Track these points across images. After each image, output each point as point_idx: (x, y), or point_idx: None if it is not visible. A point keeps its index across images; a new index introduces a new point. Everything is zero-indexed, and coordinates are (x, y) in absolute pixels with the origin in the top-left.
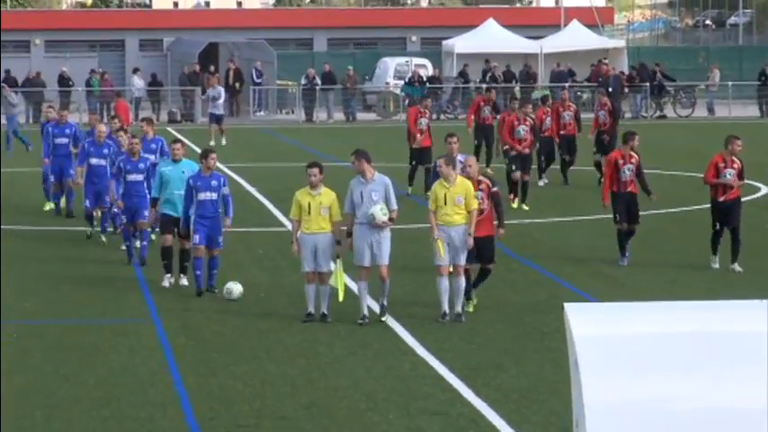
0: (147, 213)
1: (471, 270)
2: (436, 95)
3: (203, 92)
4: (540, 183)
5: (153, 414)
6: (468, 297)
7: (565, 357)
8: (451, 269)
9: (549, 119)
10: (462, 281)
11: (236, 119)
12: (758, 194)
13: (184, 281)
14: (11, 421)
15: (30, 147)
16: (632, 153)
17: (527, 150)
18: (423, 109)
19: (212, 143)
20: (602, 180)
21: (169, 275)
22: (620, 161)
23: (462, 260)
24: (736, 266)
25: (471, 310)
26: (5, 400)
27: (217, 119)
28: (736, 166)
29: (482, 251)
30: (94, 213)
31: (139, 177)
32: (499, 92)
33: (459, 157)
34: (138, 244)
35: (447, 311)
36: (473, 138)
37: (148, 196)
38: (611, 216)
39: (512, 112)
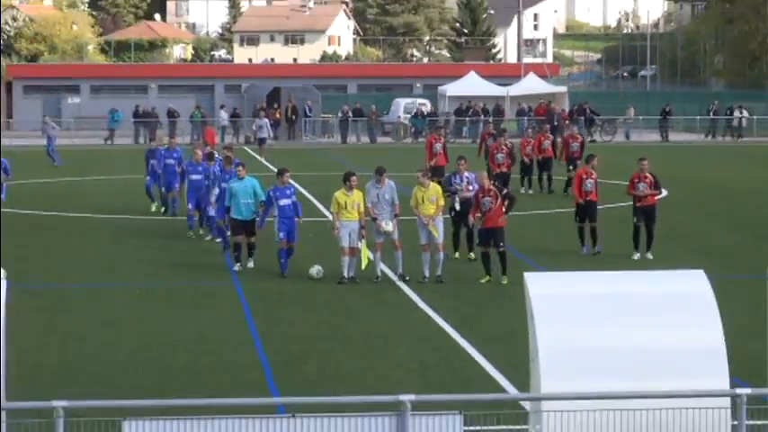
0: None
1: (489, 252)
2: (434, 125)
3: (270, 123)
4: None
5: (235, 349)
6: (503, 272)
7: (524, 311)
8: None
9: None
10: (441, 254)
11: (293, 141)
12: (661, 196)
13: (251, 263)
14: (131, 353)
15: (57, 163)
16: (592, 170)
17: (505, 170)
18: (437, 136)
19: (260, 158)
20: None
21: (239, 263)
22: (584, 176)
23: (440, 239)
24: (649, 254)
25: (505, 282)
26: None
27: (260, 141)
28: (647, 180)
29: (494, 238)
30: (194, 214)
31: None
32: (474, 122)
33: (467, 174)
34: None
35: (427, 275)
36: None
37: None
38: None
39: (493, 141)
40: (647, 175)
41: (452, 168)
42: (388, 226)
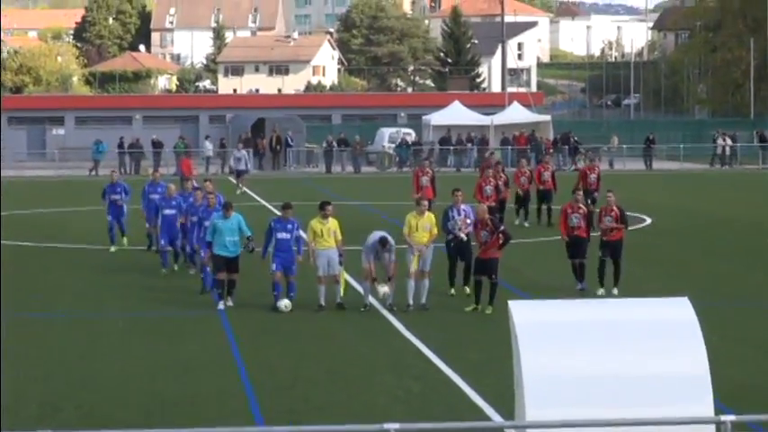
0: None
1: (482, 281)
2: (418, 153)
3: (255, 153)
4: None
5: (220, 378)
6: (490, 302)
7: (509, 339)
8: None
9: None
10: (427, 281)
11: (277, 171)
12: (644, 224)
13: (230, 302)
14: (119, 381)
15: None
16: (580, 205)
17: (493, 203)
18: (424, 169)
19: (239, 191)
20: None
21: (222, 301)
22: (569, 211)
23: (428, 267)
24: (615, 290)
25: (489, 312)
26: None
27: (239, 173)
28: (613, 213)
29: (488, 269)
30: (167, 252)
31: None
32: (459, 152)
33: (464, 207)
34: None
35: (411, 303)
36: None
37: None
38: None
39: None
40: (614, 208)
41: (442, 201)
42: (384, 288)
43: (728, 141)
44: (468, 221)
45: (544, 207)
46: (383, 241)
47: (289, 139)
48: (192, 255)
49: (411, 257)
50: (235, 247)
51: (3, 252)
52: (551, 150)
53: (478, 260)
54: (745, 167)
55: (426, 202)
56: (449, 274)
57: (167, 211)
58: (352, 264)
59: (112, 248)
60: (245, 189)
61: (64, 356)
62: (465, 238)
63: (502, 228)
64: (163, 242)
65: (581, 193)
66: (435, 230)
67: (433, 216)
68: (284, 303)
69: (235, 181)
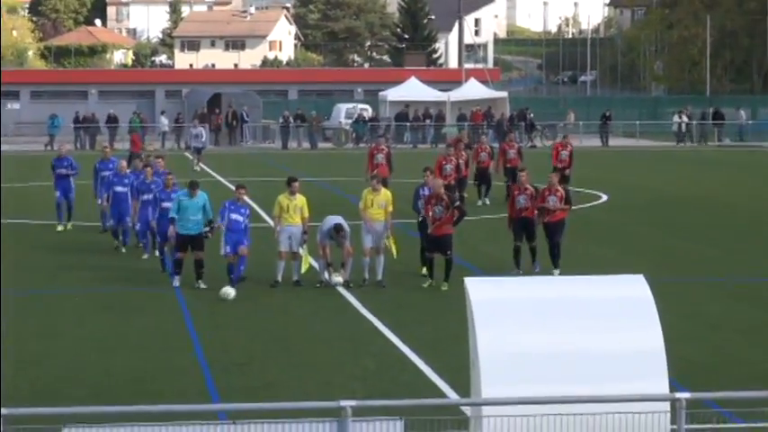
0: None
1: (434, 258)
2: (374, 129)
3: (211, 128)
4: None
5: (173, 355)
6: (446, 279)
7: (465, 316)
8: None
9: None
10: (382, 258)
11: (233, 147)
12: (601, 201)
13: (202, 284)
14: (72, 358)
15: None
16: (527, 185)
17: (452, 182)
18: (379, 146)
19: (196, 168)
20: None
21: (178, 277)
22: (516, 192)
23: (382, 244)
24: (556, 271)
25: (445, 288)
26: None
27: (196, 150)
28: (558, 194)
29: (442, 245)
30: (118, 230)
31: (170, 204)
32: (416, 128)
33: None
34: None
35: (366, 278)
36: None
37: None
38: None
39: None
40: (558, 188)
41: (398, 179)
42: (338, 278)
43: (685, 119)
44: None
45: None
46: (337, 228)
47: (244, 115)
48: (144, 234)
49: (366, 234)
50: (197, 225)
51: None
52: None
53: (431, 237)
54: (702, 144)
55: (376, 180)
56: (421, 253)
57: (119, 189)
58: (310, 240)
59: (59, 227)
60: (202, 165)
61: (17, 333)
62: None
63: (457, 203)
64: (113, 221)
65: (556, 175)
66: (391, 208)
67: (389, 193)
68: (226, 291)
69: (192, 157)
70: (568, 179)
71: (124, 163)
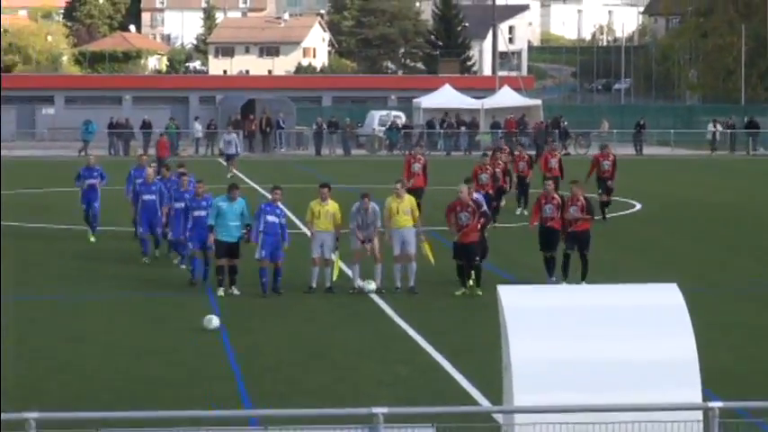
0: (210, 243)
1: (464, 265)
2: (408, 137)
3: (244, 134)
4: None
5: (207, 361)
6: (468, 284)
7: (497, 323)
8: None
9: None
10: (414, 265)
11: (267, 153)
12: (634, 209)
13: (236, 290)
14: (104, 363)
15: None
16: (554, 195)
17: (489, 191)
18: (415, 155)
19: (229, 175)
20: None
21: (222, 288)
22: (543, 201)
23: (412, 250)
24: (584, 284)
25: (480, 293)
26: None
27: (228, 157)
28: (579, 203)
29: (470, 252)
30: (148, 238)
31: (203, 213)
32: (449, 135)
33: (476, 196)
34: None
35: (399, 286)
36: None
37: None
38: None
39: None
40: (580, 198)
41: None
42: (371, 285)
43: (719, 128)
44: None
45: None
46: (363, 194)
47: (280, 121)
48: (177, 245)
49: (395, 241)
50: (237, 231)
51: None
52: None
53: (459, 245)
54: (736, 154)
55: (400, 184)
56: (458, 270)
57: (147, 197)
58: (343, 246)
59: (92, 238)
60: (234, 172)
61: (49, 338)
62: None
63: (483, 209)
64: (142, 229)
65: (551, 183)
66: (417, 213)
67: (413, 199)
68: (209, 319)
69: (225, 164)
70: (611, 190)
71: (151, 171)
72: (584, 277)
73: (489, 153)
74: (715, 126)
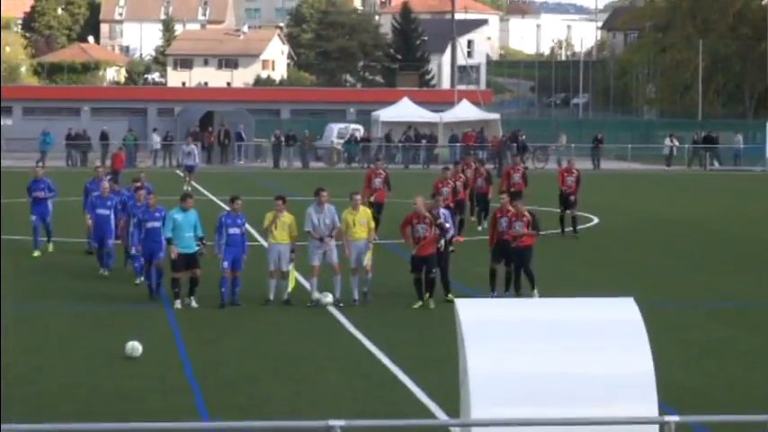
0: (162, 255)
1: (422, 278)
2: (366, 150)
3: (203, 146)
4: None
5: (163, 372)
6: (424, 297)
7: (454, 336)
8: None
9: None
10: (369, 276)
11: (225, 165)
12: (592, 224)
13: (194, 303)
14: (65, 374)
15: None
16: (509, 208)
17: (450, 204)
18: (377, 170)
19: (187, 188)
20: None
21: (179, 300)
22: (499, 214)
23: (365, 261)
24: (535, 292)
25: (433, 306)
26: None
27: (188, 168)
28: (524, 219)
29: (428, 264)
30: (102, 253)
31: (157, 224)
32: (407, 148)
33: (443, 211)
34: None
35: (357, 298)
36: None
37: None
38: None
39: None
40: (525, 213)
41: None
42: (327, 298)
43: (675, 143)
44: (447, 225)
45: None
46: (319, 188)
47: (242, 134)
48: (134, 258)
49: (351, 254)
50: (191, 242)
51: None
52: (502, 149)
53: (416, 257)
54: (693, 169)
55: (359, 196)
56: (415, 283)
57: (100, 211)
58: (301, 260)
59: (36, 253)
60: (193, 183)
61: (6, 350)
62: (441, 244)
63: (439, 221)
64: (95, 244)
65: (506, 196)
66: (372, 224)
67: (368, 211)
68: (132, 346)
69: (183, 175)
70: (574, 204)
71: (106, 185)
72: (533, 287)
73: (450, 167)
74: (671, 141)
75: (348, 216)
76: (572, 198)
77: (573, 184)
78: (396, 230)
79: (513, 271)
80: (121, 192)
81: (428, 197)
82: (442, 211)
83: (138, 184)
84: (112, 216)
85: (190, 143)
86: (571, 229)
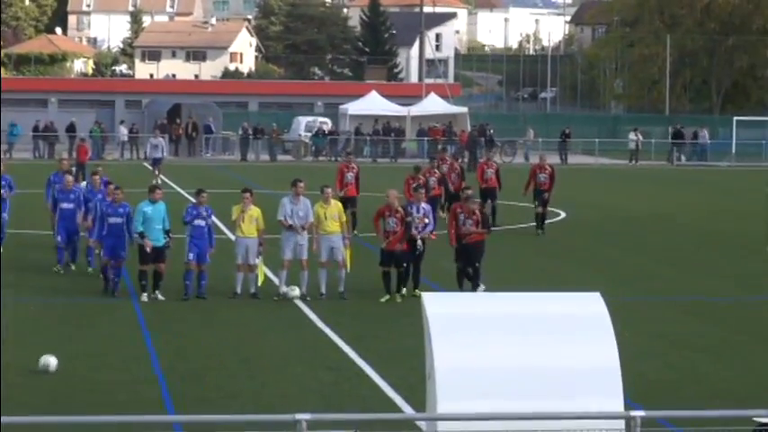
0: (124, 254)
1: (390, 272)
2: (334, 143)
3: (170, 139)
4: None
5: (129, 365)
6: (397, 291)
7: (421, 330)
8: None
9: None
10: (343, 272)
11: (192, 158)
12: (559, 218)
13: (160, 295)
14: (29, 367)
15: None
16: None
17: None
18: (350, 164)
19: (156, 180)
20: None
21: (146, 293)
22: (459, 211)
23: (340, 256)
24: (481, 288)
25: (399, 300)
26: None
27: (155, 161)
28: (474, 217)
29: (397, 259)
30: (66, 249)
31: (119, 220)
32: (376, 142)
33: (424, 206)
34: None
35: (324, 292)
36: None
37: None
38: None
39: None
40: (475, 211)
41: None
42: (294, 291)
43: (640, 137)
44: (427, 221)
45: (489, 205)
46: (297, 179)
47: (211, 126)
48: (88, 249)
49: (322, 247)
50: (159, 235)
51: None
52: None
53: (385, 251)
54: (660, 163)
55: (330, 189)
56: (384, 277)
57: (65, 205)
58: (271, 253)
59: None
60: (162, 177)
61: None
62: (420, 244)
63: (408, 218)
64: (60, 238)
65: (470, 191)
66: (344, 218)
67: (340, 204)
68: (46, 362)
69: (151, 168)
70: (547, 203)
71: (70, 177)
72: (476, 287)
73: (423, 165)
74: (636, 135)
75: (320, 209)
76: (545, 195)
77: (546, 181)
78: (367, 224)
79: (472, 267)
80: (79, 186)
81: (400, 192)
82: (423, 206)
83: (97, 177)
84: (76, 209)
85: (157, 136)
86: (539, 224)
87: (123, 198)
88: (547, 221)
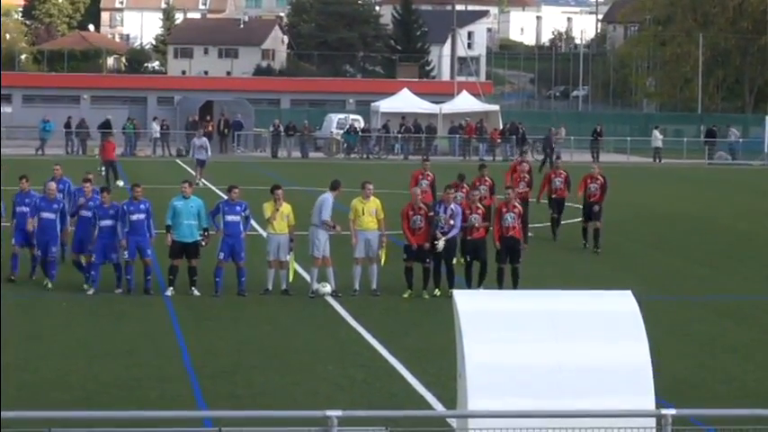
0: (114, 256)
1: (413, 267)
2: (366, 141)
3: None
4: None
5: (162, 363)
6: (424, 288)
7: (452, 326)
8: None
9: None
10: (375, 267)
11: (225, 154)
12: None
13: (196, 292)
14: (60, 363)
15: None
16: (514, 203)
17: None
18: (426, 171)
19: (198, 183)
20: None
21: (172, 288)
22: (504, 209)
23: (375, 252)
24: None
25: (426, 297)
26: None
27: (200, 163)
28: (479, 212)
29: (421, 254)
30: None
31: (109, 222)
32: (407, 139)
33: (453, 206)
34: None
35: (357, 288)
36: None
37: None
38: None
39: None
40: (479, 206)
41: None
42: (326, 288)
43: (660, 135)
44: (452, 222)
45: (556, 216)
46: (336, 182)
47: (242, 123)
48: (98, 267)
49: (358, 243)
50: (191, 231)
51: None
52: (498, 141)
53: (410, 247)
54: (691, 161)
55: (371, 185)
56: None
57: (44, 215)
58: (301, 249)
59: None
60: (203, 181)
61: (4, 338)
62: (440, 244)
63: (431, 213)
64: (39, 252)
65: (512, 190)
66: (382, 215)
67: (378, 201)
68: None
69: (194, 172)
70: (599, 215)
71: (53, 185)
72: (480, 283)
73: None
74: (659, 134)
75: (358, 204)
76: (596, 207)
77: (597, 192)
78: (396, 221)
79: (480, 265)
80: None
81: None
82: (453, 206)
83: (89, 185)
84: (58, 221)
85: (200, 136)
86: (593, 242)
87: (110, 199)
88: (578, 220)
